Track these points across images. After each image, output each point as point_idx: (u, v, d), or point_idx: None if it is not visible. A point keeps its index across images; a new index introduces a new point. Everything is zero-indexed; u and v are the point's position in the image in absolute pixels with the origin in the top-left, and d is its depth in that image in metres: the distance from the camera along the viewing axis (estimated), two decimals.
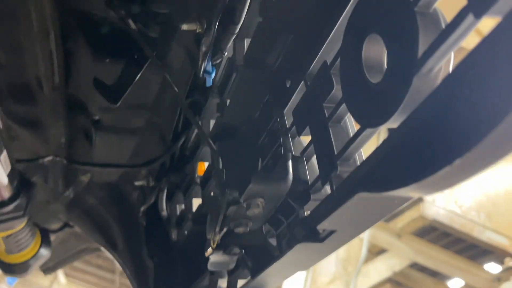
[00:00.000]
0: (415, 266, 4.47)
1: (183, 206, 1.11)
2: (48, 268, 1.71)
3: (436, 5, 0.44)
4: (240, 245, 0.74)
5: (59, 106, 0.99)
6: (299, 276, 3.60)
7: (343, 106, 0.57)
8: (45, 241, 1.30)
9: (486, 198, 3.80)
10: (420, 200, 3.88)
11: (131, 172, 1.12)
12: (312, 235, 0.60)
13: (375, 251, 4.18)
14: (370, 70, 0.50)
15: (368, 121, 0.50)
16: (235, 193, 0.62)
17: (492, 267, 4.30)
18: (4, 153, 0.84)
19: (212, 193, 0.86)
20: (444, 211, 3.80)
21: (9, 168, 0.89)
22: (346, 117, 0.60)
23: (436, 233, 4.09)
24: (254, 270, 0.76)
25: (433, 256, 4.08)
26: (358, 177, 0.49)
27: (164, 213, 1.15)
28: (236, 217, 0.67)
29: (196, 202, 1.08)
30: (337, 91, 0.58)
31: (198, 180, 0.99)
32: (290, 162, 0.62)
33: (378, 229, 4.02)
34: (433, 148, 0.37)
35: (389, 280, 4.74)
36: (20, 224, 1.08)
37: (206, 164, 1.03)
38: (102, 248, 1.37)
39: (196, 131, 0.97)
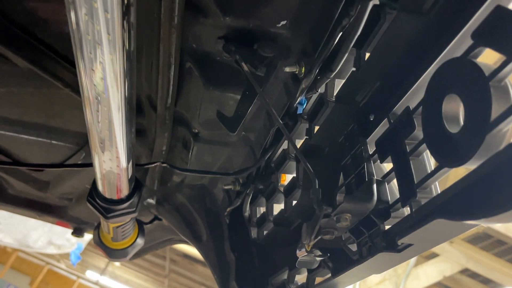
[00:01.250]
0: (466, 272, 4.46)
1: (263, 209, 1.28)
2: (134, 255, 1.94)
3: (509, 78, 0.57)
4: (324, 248, 0.89)
5: (167, 122, 1.18)
6: None
7: (423, 145, 0.71)
8: (141, 232, 1.52)
9: None
10: None
11: (221, 178, 1.31)
12: (392, 246, 0.75)
13: (426, 255, 4.22)
14: (449, 121, 0.64)
15: (447, 162, 0.63)
16: (329, 209, 0.77)
17: None
18: (132, 161, 1.04)
19: (298, 203, 1.02)
20: None
21: (131, 173, 1.09)
22: (425, 153, 0.74)
23: (490, 241, 4.06)
24: (335, 270, 0.91)
25: (486, 263, 4.06)
26: (437, 204, 0.63)
27: (247, 214, 1.33)
28: (326, 227, 0.82)
29: (276, 207, 1.24)
30: (417, 131, 0.72)
31: (281, 189, 1.15)
32: (374, 186, 0.76)
33: None
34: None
35: (438, 284, 4.75)
36: (130, 218, 1.29)
37: (287, 176, 1.20)
38: (187, 240, 1.57)
39: (281, 148, 1.13)
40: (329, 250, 0.90)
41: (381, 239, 0.77)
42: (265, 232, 1.29)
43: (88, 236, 8.48)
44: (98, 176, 1.07)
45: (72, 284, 14.67)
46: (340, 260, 0.90)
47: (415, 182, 0.71)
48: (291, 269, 1.14)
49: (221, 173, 1.23)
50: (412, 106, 0.74)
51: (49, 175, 1.68)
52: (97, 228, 1.49)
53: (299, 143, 1.04)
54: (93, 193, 1.17)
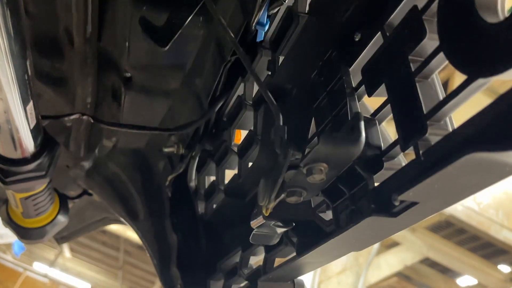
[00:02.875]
0: (426, 261, 4.40)
1: (213, 178, 1.04)
2: (62, 237, 1.66)
3: None
4: (286, 218, 0.66)
5: (89, 61, 0.91)
6: None
7: (435, 59, 0.49)
8: (63, 207, 1.24)
9: (505, 196, 3.70)
10: None
11: (161, 137, 1.05)
12: (384, 208, 0.52)
13: (387, 244, 4.11)
14: (483, 10, 0.42)
15: (481, 69, 0.41)
16: (298, 155, 0.54)
17: (506, 267, 4.21)
18: (31, 104, 0.77)
19: (256, 164, 0.78)
20: (462, 207, 3.70)
21: (34, 122, 0.82)
22: (434, 74, 0.52)
23: (452, 229, 4.00)
24: (300, 247, 0.68)
25: (446, 253, 4.00)
26: (465, 136, 0.41)
27: (193, 184, 1.08)
28: (293, 184, 0.59)
29: (228, 175, 1.00)
30: (427, 40, 0.50)
31: (234, 149, 0.91)
32: (362, 123, 0.53)
33: None
34: None
35: (398, 274, 4.68)
36: (41, 186, 1.01)
37: (242, 133, 0.95)
38: (122, 219, 1.30)
39: (236, 96, 0.89)
40: (294, 220, 0.67)
41: (368, 200, 0.54)
42: (214, 206, 1.05)
43: None
44: None
45: (18, 277, 13.91)
46: (309, 233, 0.67)
47: (424, 113, 0.48)
48: (244, 250, 0.91)
49: (159, 129, 0.97)
50: (421, 5, 0.51)
51: None
52: (5, 203, 1.20)
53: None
54: None
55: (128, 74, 0.95)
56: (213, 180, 1.03)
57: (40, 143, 0.90)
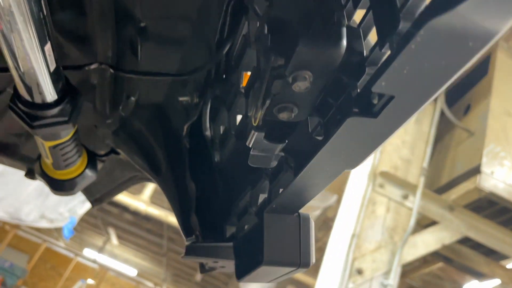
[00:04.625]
0: (467, 242, 4.28)
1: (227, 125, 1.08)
2: (96, 200, 1.75)
3: None
4: (277, 133, 0.68)
5: (106, 13, 0.96)
6: (343, 242, 3.54)
7: None
8: (91, 162, 1.32)
9: None
10: (476, 171, 3.67)
11: (176, 88, 1.09)
12: (365, 110, 0.54)
13: (425, 224, 4.03)
14: None
15: None
16: (280, 61, 0.56)
17: None
18: (49, 45, 0.82)
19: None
20: (504, 185, 3.57)
21: (54, 66, 0.88)
22: None
23: (493, 209, 3.86)
24: (296, 168, 0.71)
25: (488, 233, 3.87)
26: (426, 10, 0.42)
27: (208, 133, 1.12)
28: (282, 99, 0.61)
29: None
30: None
31: (243, 91, 0.94)
32: (344, 28, 0.55)
33: (429, 200, 3.86)
34: None
35: (438, 256, 4.58)
36: (66, 134, 1.08)
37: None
38: (147, 175, 1.36)
39: (241, 36, 0.92)
40: (287, 136, 0.69)
41: (351, 105, 0.56)
42: (228, 153, 1.08)
43: (81, 211, 8.38)
44: (13, 72, 0.86)
45: (70, 262, 14.64)
46: (304, 154, 0.69)
47: (398, 7, 0.49)
48: (253, 187, 0.94)
49: (174, 74, 1.02)
50: None
51: None
52: (38, 158, 1.29)
53: None
54: (14, 98, 0.96)
55: (143, 24, 1.00)
56: (226, 127, 1.07)
57: (61, 90, 0.96)
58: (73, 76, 1.10)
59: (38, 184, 7.77)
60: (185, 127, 1.11)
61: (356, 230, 3.52)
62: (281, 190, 0.82)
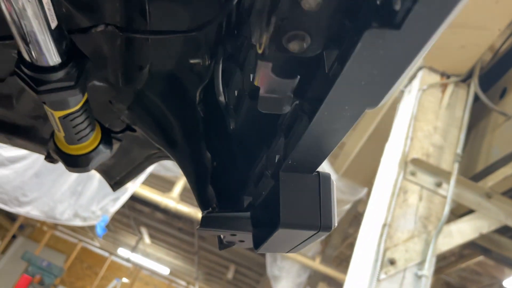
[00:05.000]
0: (507, 232, 4.07)
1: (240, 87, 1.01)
2: (116, 183, 1.72)
3: None
4: (288, 67, 0.60)
5: None
6: (374, 232, 3.42)
7: None
8: (105, 137, 1.28)
9: None
10: None
11: (187, 48, 1.04)
12: (385, 19, 0.46)
13: (460, 213, 3.85)
14: None
15: None
16: None
17: None
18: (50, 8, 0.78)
19: None
20: None
21: (55, 23, 0.84)
22: None
23: None
24: (311, 111, 0.63)
25: None
26: None
27: (222, 98, 1.06)
28: (291, 25, 0.54)
29: None
30: None
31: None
32: None
33: (464, 188, 3.68)
34: None
35: (475, 247, 4.38)
36: (76, 103, 1.04)
37: None
38: (163, 150, 1.32)
39: None
40: (299, 72, 0.62)
41: (371, 19, 0.48)
42: (243, 117, 1.02)
43: (113, 209, 8.47)
44: (11, 29, 0.82)
45: (104, 261, 14.95)
46: (318, 93, 0.62)
47: None
48: (268, 147, 0.87)
49: (184, 31, 0.95)
50: None
51: (9, 88, 1.45)
52: (52, 136, 1.26)
53: None
54: (18, 62, 0.92)
55: None
56: (240, 89, 1.00)
57: (66, 52, 0.92)
58: (83, 44, 1.06)
59: (72, 184, 7.93)
60: (198, 93, 1.05)
61: (387, 219, 3.39)
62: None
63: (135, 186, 7.69)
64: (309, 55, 0.59)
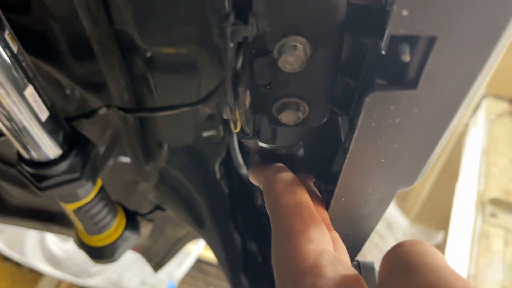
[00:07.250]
0: None
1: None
2: (157, 264, 1.61)
3: None
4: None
5: (110, 45, 0.85)
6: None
7: None
8: (131, 222, 1.18)
9: None
10: None
11: (199, 120, 0.92)
12: (393, 75, 0.31)
13: None
14: None
15: None
16: (264, 21, 0.36)
17: None
18: (30, 89, 0.71)
19: None
20: None
21: (45, 114, 0.76)
22: None
23: None
24: (328, 191, 0.48)
25: None
26: None
27: (243, 170, 0.93)
28: (277, 90, 0.41)
29: None
30: None
31: None
32: None
33: None
34: None
35: None
36: (87, 193, 0.95)
37: None
38: (194, 230, 1.19)
39: None
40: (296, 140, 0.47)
41: (373, 75, 0.34)
42: None
43: (179, 274, 8.49)
44: (3, 129, 0.76)
45: None
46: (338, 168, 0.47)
47: None
48: None
49: (191, 104, 0.85)
50: None
51: None
52: (74, 227, 1.18)
53: None
54: (19, 160, 0.86)
55: (149, 54, 0.87)
56: None
57: (66, 141, 0.84)
58: (95, 124, 0.99)
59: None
60: (216, 167, 0.93)
61: (470, 270, 2.99)
62: None
63: (199, 249, 7.62)
64: (313, 125, 0.45)
